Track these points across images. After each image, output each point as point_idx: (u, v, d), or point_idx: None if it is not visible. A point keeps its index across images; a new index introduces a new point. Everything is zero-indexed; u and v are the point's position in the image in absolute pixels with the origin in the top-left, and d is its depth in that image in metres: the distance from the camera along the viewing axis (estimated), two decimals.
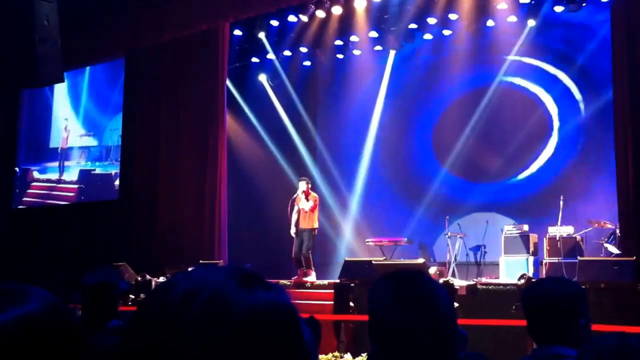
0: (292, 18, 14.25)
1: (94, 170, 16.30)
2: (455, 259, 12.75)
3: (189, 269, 1.03)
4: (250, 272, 0.96)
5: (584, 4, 12.39)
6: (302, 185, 12.04)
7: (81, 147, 16.59)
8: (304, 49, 15.18)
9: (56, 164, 16.88)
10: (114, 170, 15.69)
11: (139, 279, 11.96)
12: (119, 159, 15.40)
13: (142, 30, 14.36)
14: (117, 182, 15.46)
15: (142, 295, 10.89)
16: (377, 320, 1.78)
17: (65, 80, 8.15)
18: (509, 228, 12.17)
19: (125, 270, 12.31)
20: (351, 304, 10.26)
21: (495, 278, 11.29)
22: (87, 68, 16.42)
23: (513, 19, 13.34)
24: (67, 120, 16.79)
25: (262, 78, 16.01)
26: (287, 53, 15.37)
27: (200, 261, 12.23)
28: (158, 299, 0.92)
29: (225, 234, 13.56)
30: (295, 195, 12.04)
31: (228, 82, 14.42)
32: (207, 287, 0.90)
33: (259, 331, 0.89)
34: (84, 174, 16.42)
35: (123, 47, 15.04)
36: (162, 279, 11.61)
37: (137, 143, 14.80)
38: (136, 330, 0.92)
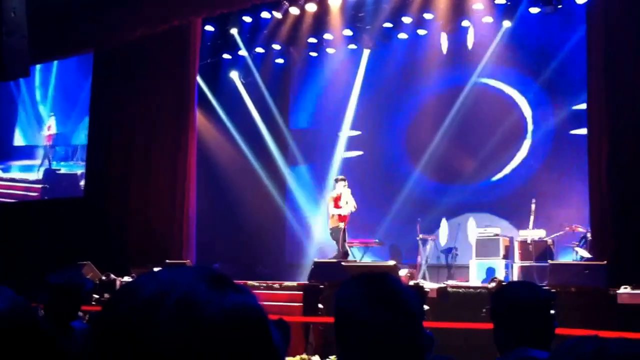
0: (265, 14, 14.10)
1: (59, 170, 15.96)
2: (427, 262, 12.65)
3: (155, 270, 1.01)
4: (219, 274, 0.95)
5: (559, 6, 12.35)
6: (343, 184, 12.02)
7: (45, 146, 16.24)
8: (277, 46, 15.03)
9: (23, 162, 16.47)
10: (80, 170, 15.37)
11: (103, 278, 11.74)
12: (84, 159, 15.10)
13: (112, 25, 14.10)
14: (82, 183, 15.16)
15: (105, 295, 10.68)
16: (345, 320, 1.78)
17: (32, 75, 7.93)
18: (481, 231, 12.10)
19: (89, 269, 12.05)
20: (320, 305, 10.15)
21: (466, 281, 11.19)
22: (55, 63, 16.08)
23: (489, 19, 13.29)
24: (52, 116, 16.33)
25: (234, 75, 15.81)
26: (259, 50, 15.21)
27: (167, 261, 11.99)
28: (124, 301, 0.90)
29: (194, 233, 13.37)
30: (336, 195, 11.98)
31: (199, 79, 14.22)
32: (176, 289, 0.89)
33: (229, 334, 0.88)
34: (49, 174, 16.08)
35: (92, 42, 14.77)
36: (127, 279, 11.39)
37: (105, 140, 14.56)
38: (102, 333, 0.90)
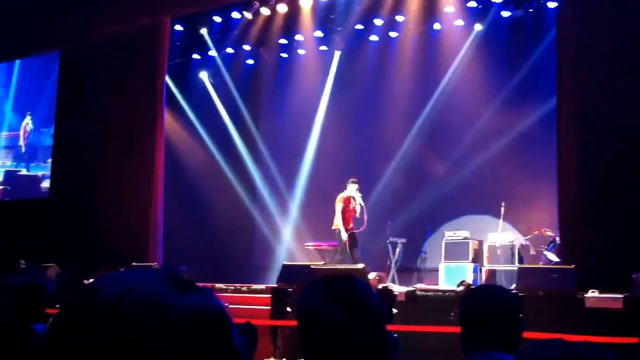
0: (235, 15, 14.02)
1: (20, 171, 15.68)
2: (396, 265, 12.60)
3: (117, 272, 0.99)
4: (181, 276, 0.94)
5: (530, 10, 12.42)
6: (356, 186, 11.64)
7: (6, 147, 15.93)
8: (247, 47, 14.95)
9: None
10: (42, 171, 15.10)
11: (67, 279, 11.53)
12: (48, 160, 14.84)
13: (79, 23, 13.94)
14: (43, 184, 14.90)
15: None
16: (308, 323, 1.78)
17: None
18: (450, 234, 12.08)
19: (53, 272, 11.84)
20: (288, 309, 10.06)
21: (435, 284, 11.17)
22: (17, 62, 15.79)
23: (460, 22, 13.31)
24: (29, 115, 15.97)
25: (203, 75, 15.69)
26: (229, 50, 15.11)
27: (134, 263, 11.81)
28: (85, 302, 0.90)
29: (161, 235, 13.23)
30: (349, 196, 11.61)
31: (167, 79, 14.07)
32: (138, 290, 0.89)
33: (190, 334, 0.87)
34: (9, 175, 15.80)
35: (58, 40, 14.58)
36: (91, 281, 11.19)
37: (71, 140, 14.40)
38: (62, 333, 0.89)
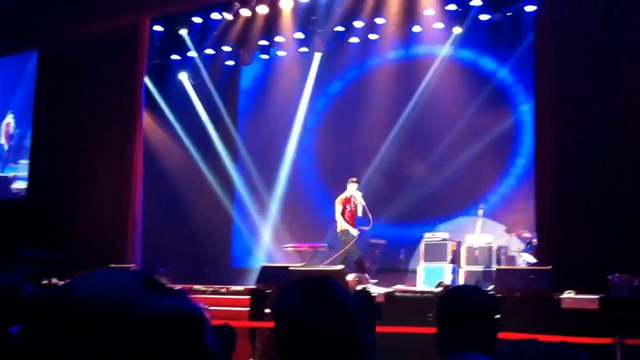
0: (215, 15, 13.96)
1: None
2: (375, 266, 12.62)
3: (91, 273, 0.99)
4: (155, 277, 0.94)
5: (508, 14, 12.52)
6: (356, 186, 11.58)
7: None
8: (227, 48, 14.88)
9: None
10: (13, 173, 14.94)
11: (45, 282, 11.43)
12: (20, 161, 14.69)
13: (58, 22, 13.83)
14: (14, 185, 14.78)
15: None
16: (283, 324, 1.77)
17: None
18: (429, 235, 12.12)
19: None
20: (267, 310, 10.03)
21: (414, 285, 11.21)
22: None
23: (440, 25, 13.37)
24: (11, 113, 15.77)
25: (183, 76, 15.61)
26: (209, 51, 15.03)
27: (111, 265, 11.74)
28: (58, 302, 0.90)
29: (140, 236, 13.15)
30: (349, 196, 11.56)
31: (147, 80, 14.01)
32: (111, 292, 0.89)
33: (162, 335, 0.87)
34: None
35: (37, 39, 14.45)
36: (65, 282, 11.11)
37: (49, 141, 14.28)
38: (34, 334, 0.89)
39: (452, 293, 2.88)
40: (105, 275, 0.94)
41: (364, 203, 11.45)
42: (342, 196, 11.59)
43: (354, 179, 11.68)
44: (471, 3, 12.62)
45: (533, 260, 10.72)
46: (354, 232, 11.40)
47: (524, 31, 12.65)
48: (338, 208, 11.51)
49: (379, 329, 8.61)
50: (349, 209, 11.51)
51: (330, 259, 11.50)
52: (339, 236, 11.70)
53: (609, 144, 9.48)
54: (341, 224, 11.51)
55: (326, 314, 1.70)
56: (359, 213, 11.47)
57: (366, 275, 11.01)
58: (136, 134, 13.31)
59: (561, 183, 9.85)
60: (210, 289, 11.06)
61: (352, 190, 11.53)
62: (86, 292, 0.89)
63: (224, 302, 10.46)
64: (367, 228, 11.60)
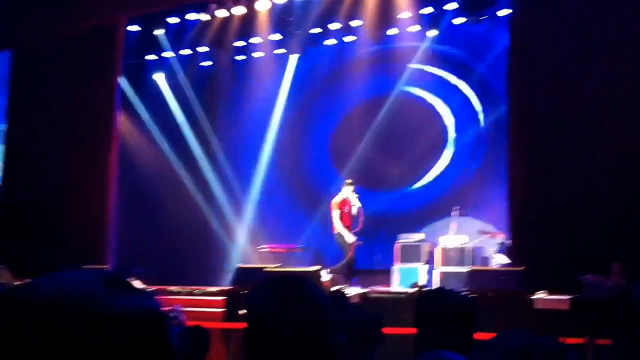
0: (192, 16, 13.91)
1: None
2: (351, 267, 12.64)
3: (54, 272, 0.97)
4: (118, 277, 0.94)
5: (483, 17, 12.63)
6: (352, 188, 11.26)
7: None
8: (203, 49, 14.82)
9: None
10: None
11: (19, 283, 11.30)
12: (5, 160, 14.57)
13: (33, 23, 13.71)
14: None
15: None
16: (254, 324, 1.76)
17: None
18: (404, 237, 12.19)
19: (4, 274, 11.62)
20: (242, 312, 10.00)
21: (389, 286, 11.27)
22: None
23: (415, 28, 13.45)
24: None
25: (159, 77, 15.53)
26: (185, 52, 14.96)
27: (86, 266, 11.66)
28: (20, 302, 0.89)
29: (115, 238, 13.07)
30: (344, 198, 11.23)
31: (123, 80, 13.93)
32: (73, 290, 0.88)
33: (126, 336, 0.88)
34: None
35: (11, 40, 14.32)
36: (26, 282, 11.00)
37: (23, 142, 14.12)
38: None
39: (428, 294, 2.92)
40: (68, 275, 0.93)
41: (359, 205, 11.19)
42: (338, 199, 11.28)
43: (349, 181, 11.38)
44: (446, 7, 12.69)
45: (507, 261, 10.83)
46: (350, 238, 11.10)
47: (498, 36, 12.78)
48: (335, 212, 11.19)
49: None
50: (346, 211, 11.23)
51: (333, 268, 11.24)
52: (336, 239, 11.42)
53: (581, 146, 9.62)
54: (338, 227, 11.18)
55: (298, 314, 1.69)
56: (355, 214, 11.20)
57: (348, 279, 10.88)
58: (112, 135, 13.24)
59: (534, 185, 9.98)
60: (185, 291, 11.03)
61: (348, 192, 11.24)
62: (46, 292, 0.89)
63: (199, 304, 10.42)
64: (356, 230, 11.38)
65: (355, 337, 3.62)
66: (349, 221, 11.25)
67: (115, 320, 0.88)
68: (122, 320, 0.88)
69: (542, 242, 9.70)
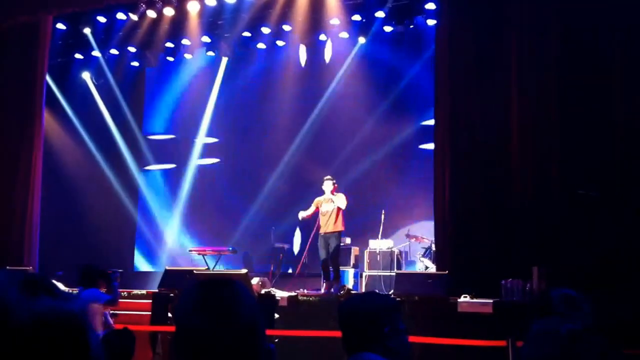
0: (121, 16, 13.70)
1: None
2: (279, 270, 12.71)
3: None
4: (34, 279, 0.91)
5: (411, 26, 12.84)
6: (329, 185, 10.81)
7: None
8: (132, 49, 14.60)
9: None
10: None
11: None
12: None
13: None
14: None
15: None
16: (180, 329, 1.69)
17: None
18: None
19: None
20: (170, 314, 9.94)
21: (317, 289, 11.35)
22: None
23: (345, 35, 13.58)
24: None
25: (86, 76, 15.26)
26: (114, 51, 14.72)
27: (7, 268, 11.35)
28: None
29: (37, 239, 12.75)
30: (321, 198, 10.89)
31: (48, 78, 13.63)
32: None
33: (41, 340, 0.84)
34: None
35: None
36: None
37: None
38: None
39: (350, 299, 2.98)
40: None
41: (332, 197, 10.80)
42: (320, 197, 10.99)
43: (329, 177, 11.07)
44: (376, 14, 12.85)
45: (431, 265, 11.04)
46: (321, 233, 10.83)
47: (425, 43, 13.03)
48: (311, 209, 10.96)
49: (283, 332, 8.72)
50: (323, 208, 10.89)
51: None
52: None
53: (504, 153, 9.89)
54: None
55: (218, 320, 1.64)
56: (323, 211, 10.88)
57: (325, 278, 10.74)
58: (35, 133, 12.92)
59: (458, 191, 10.19)
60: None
61: (331, 186, 10.88)
62: None
63: (126, 306, 10.28)
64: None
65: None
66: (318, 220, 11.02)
67: (29, 324, 0.85)
68: (36, 324, 0.85)
69: (466, 246, 9.91)
